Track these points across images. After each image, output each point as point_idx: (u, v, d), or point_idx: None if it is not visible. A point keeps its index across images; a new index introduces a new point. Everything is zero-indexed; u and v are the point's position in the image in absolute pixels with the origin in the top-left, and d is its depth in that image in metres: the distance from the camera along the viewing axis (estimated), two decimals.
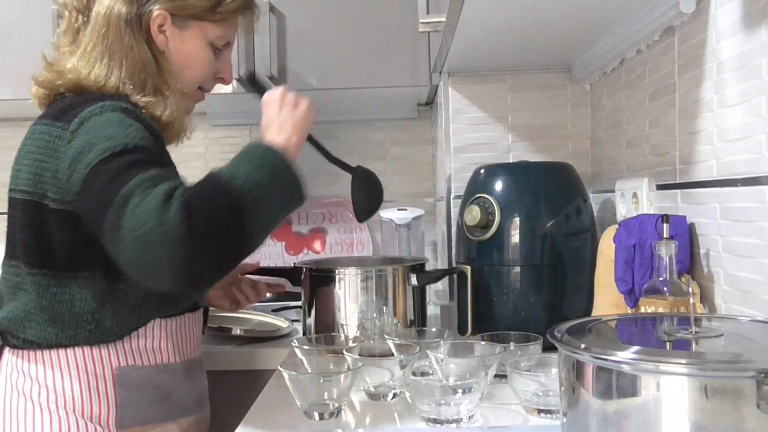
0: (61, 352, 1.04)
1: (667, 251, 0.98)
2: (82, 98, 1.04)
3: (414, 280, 1.37)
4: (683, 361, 0.62)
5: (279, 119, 1.08)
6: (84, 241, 1.01)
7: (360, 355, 1.07)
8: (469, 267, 1.33)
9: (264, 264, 1.50)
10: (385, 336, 1.18)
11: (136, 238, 0.87)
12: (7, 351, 1.08)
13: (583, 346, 0.68)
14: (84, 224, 0.98)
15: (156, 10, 1.11)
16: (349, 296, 1.36)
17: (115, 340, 1.06)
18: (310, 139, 1.21)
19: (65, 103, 1.05)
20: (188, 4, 1.13)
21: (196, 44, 1.16)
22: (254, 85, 1.24)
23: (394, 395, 1.04)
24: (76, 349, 1.04)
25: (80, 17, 1.12)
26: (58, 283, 1.03)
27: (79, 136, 0.98)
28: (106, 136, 0.96)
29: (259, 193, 0.94)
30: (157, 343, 1.09)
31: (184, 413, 1.14)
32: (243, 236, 0.93)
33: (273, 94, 1.11)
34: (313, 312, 1.41)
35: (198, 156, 2.14)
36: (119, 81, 1.08)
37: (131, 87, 1.08)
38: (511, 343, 1.10)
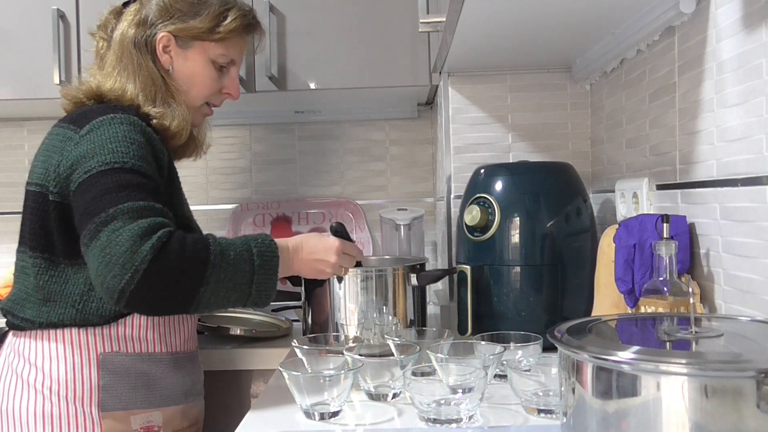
0: (52, 332, 1.12)
1: (667, 251, 0.98)
2: (97, 107, 1.15)
3: (414, 280, 1.37)
4: (683, 361, 0.62)
5: (311, 240, 1.18)
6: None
7: (360, 355, 1.07)
8: (469, 267, 1.33)
9: None
10: (385, 336, 1.18)
11: (105, 254, 0.99)
12: (10, 334, 1.17)
13: (583, 346, 0.68)
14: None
15: (161, 33, 1.23)
16: (349, 296, 1.36)
17: (100, 324, 1.12)
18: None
19: (83, 110, 1.16)
20: (189, 26, 1.24)
21: (199, 62, 1.26)
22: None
23: (394, 395, 1.04)
24: (65, 330, 1.12)
25: (105, 44, 1.27)
26: (55, 267, 1.12)
27: (86, 140, 1.08)
28: (110, 149, 1.06)
29: (227, 281, 1.03)
30: (143, 332, 1.16)
31: (169, 402, 1.18)
32: (190, 301, 1.03)
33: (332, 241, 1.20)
34: (312, 312, 1.41)
35: None
36: (134, 94, 1.19)
37: (144, 98, 1.20)
38: (511, 343, 1.10)
